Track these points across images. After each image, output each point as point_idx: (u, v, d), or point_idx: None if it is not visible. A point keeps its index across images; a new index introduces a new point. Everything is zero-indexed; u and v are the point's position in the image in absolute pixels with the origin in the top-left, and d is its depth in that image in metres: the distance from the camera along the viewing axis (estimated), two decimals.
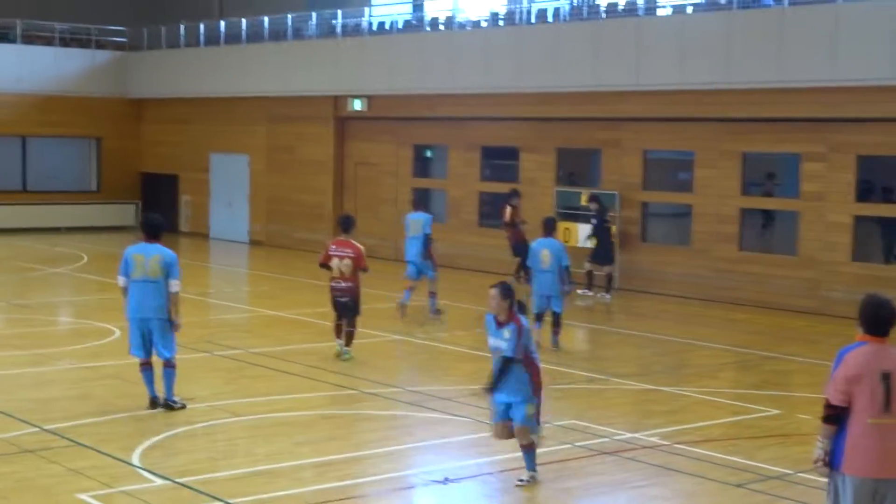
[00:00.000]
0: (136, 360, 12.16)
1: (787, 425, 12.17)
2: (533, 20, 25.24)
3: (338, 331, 15.31)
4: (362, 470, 10.21)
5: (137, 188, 35.88)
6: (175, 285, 11.87)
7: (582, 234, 23.32)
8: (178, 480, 9.56)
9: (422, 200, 20.19)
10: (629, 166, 23.42)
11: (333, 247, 15.13)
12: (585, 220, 23.31)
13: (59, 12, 35.30)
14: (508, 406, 9.57)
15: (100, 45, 35.53)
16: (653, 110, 22.74)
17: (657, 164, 23.67)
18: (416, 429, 11.80)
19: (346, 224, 15.37)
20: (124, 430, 11.32)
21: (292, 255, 29.03)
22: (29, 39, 34.37)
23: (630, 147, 23.43)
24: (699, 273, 22.29)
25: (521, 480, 9.68)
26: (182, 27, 34.18)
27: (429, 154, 28.63)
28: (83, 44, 35.29)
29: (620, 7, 23.73)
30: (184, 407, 12.06)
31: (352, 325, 15.23)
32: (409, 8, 30.24)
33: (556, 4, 25.28)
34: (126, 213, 34.92)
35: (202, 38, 33.72)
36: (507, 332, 9.44)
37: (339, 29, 29.48)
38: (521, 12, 25.37)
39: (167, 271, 11.82)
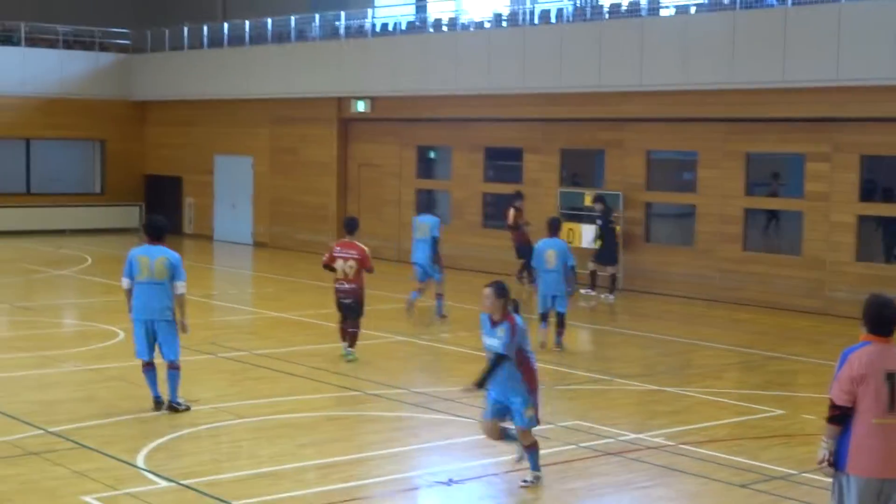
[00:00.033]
0: (140, 362, 12.16)
1: (792, 425, 12.16)
2: (536, 21, 25.23)
3: (343, 333, 15.36)
4: (366, 471, 10.21)
5: (141, 190, 35.92)
6: (181, 287, 11.93)
7: (586, 234, 23.32)
8: (182, 482, 9.57)
9: (430, 203, 20.16)
10: (633, 167, 23.41)
11: (338, 248, 15.18)
12: (589, 220, 23.33)
13: (63, 15, 35.36)
14: (502, 405, 9.52)
15: (103, 48, 35.57)
16: (656, 111, 22.74)
17: (661, 164, 23.66)
18: (420, 430, 11.80)
19: (350, 226, 15.42)
20: (129, 432, 11.33)
21: (296, 256, 29.04)
22: (33, 42, 34.41)
23: (633, 147, 23.43)
24: (703, 273, 22.28)
25: (525, 481, 9.68)
26: (185, 29, 34.21)
27: (432, 155, 28.63)
28: (87, 46, 35.33)
29: (624, 7, 23.71)
30: (188, 409, 12.06)
31: (355, 325, 15.26)
32: (412, 9, 30.25)
33: (559, 5, 25.27)
34: (130, 215, 34.96)
35: (205, 40, 33.75)
36: (500, 331, 9.40)
37: (342, 30, 29.50)
38: (524, 13, 25.38)
39: (172, 273, 11.87)
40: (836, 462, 7.09)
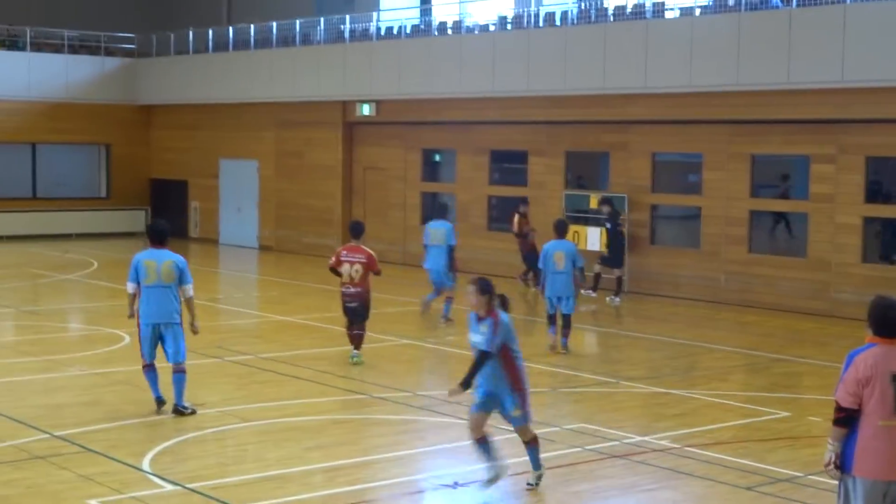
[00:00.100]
0: (145, 363, 12.16)
1: (797, 428, 12.15)
2: (541, 23, 25.23)
3: (352, 339, 15.40)
4: (372, 474, 10.21)
5: (147, 194, 35.97)
6: (190, 290, 12.07)
7: (592, 237, 23.31)
8: (188, 486, 9.58)
9: (442, 209, 20.13)
10: (637, 169, 23.40)
11: (344, 252, 15.24)
12: (595, 223, 23.33)
13: (69, 20, 35.43)
14: (492, 399, 9.43)
15: (109, 52, 35.64)
16: (661, 113, 22.73)
17: (666, 166, 23.65)
18: (426, 433, 11.80)
19: (356, 230, 15.50)
20: (134, 436, 11.34)
21: (301, 260, 29.06)
22: (38, 47, 34.48)
23: (638, 150, 23.42)
24: (708, 275, 22.26)
25: (529, 484, 9.67)
26: (191, 33, 34.26)
27: (437, 158, 28.65)
28: (92, 51, 35.41)
29: (628, 10, 23.71)
30: (194, 412, 12.08)
31: (361, 328, 15.32)
32: (416, 13, 30.27)
33: (563, 7, 25.28)
34: (136, 219, 35.01)
35: (211, 44, 33.79)
36: (484, 327, 9.32)
37: (347, 34, 29.52)
38: (528, 16, 25.38)
39: (180, 276, 11.96)
40: (843, 464, 7.08)
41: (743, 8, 21.05)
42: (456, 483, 9.80)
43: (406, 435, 11.73)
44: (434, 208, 20.51)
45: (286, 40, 31.21)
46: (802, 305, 20.74)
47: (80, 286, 23.95)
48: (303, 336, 17.68)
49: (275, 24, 31.43)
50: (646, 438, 11.44)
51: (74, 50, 35.04)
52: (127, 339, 16.25)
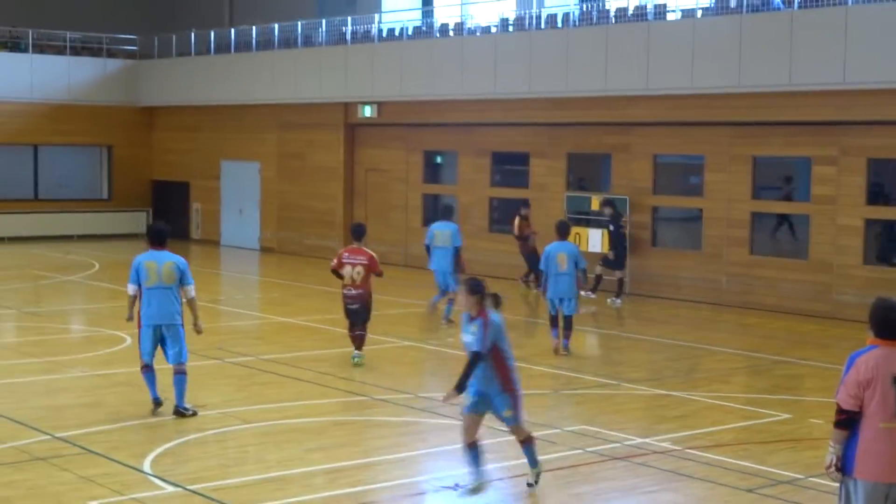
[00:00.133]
0: (144, 363, 12.16)
1: (799, 430, 12.14)
2: (542, 25, 25.24)
3: (354, 340, 15.43)
4: (373, 476, 10.22)
5: (148, 196, 35.99)
6: (191, 290, 12.12)
7: (593, 238, 23.31)
8: (189, 487, 9.58)
9: (446, 210, 20.12)
10: (639, 171, 23.40)
11: (346, 254, 15.28)
12: (597, 224, 23.34)
13: (71, 21, 35.45)
14: (484, 400, 9.34)
15: (111, 54, 35.66)
16: (663, 115, 22.73)
17: (667, 168, 23.65)
18: (427, 435, 11.80)
19: (358, 232, 15.54)
20: (135, 438, 11.35)
21: (303, 261, 29.07)
22: (40, 49, 34.52)
23: (640, 151, 23.42)
24: (710, 277, 22.26)
25: (529, 484, 9.66)
26: (192, 35, 34.28)
27: (439, 160, 28.65)
28: (94, 52, 35.44)
29: (630, 12, 23.71)
30: (195, 414, 12.09)
31: (363, 329, 15.39)
32: (418, 14, 30.27)
33: (565, 9, 25.30)
34: (137, 220, 35.02)
35: (212, 45, 33.81)
36: (474, 327, 9.27)
37: (349, 36, 29.53)
38: (530, 17, 25.38)
39: (181, 277, 12.00)
40: (844, 467, 7.08)
41: (744, 10, 21.05)
42: (457, 485, 9.79)
43: (407, 437, 11.73)
44: (438, 210, 20.48)
45: (288, 42, 31.22)
46: (804, 307, 20.73)
47: (82, 287, 23.97)
48: (304, 338, 17.68)
49: (276, 25, 31.45)
50: (647, 440, 11.44)
51: (76, 51, 35.07)
52: (128, 340, 16.26)
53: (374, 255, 15.32)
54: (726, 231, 22.04)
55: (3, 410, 12.28)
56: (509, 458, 10.34)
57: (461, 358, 16.12)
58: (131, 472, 10.03)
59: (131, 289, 12.03)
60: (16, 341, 17.65)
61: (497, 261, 25.19)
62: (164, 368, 12.57)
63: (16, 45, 34.56)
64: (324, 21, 30.48)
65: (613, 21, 23.70)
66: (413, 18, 29.73)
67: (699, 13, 22.49)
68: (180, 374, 12.06)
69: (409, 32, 28.56)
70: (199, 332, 12.27)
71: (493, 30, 26.54)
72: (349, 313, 15.40)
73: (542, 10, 25.54)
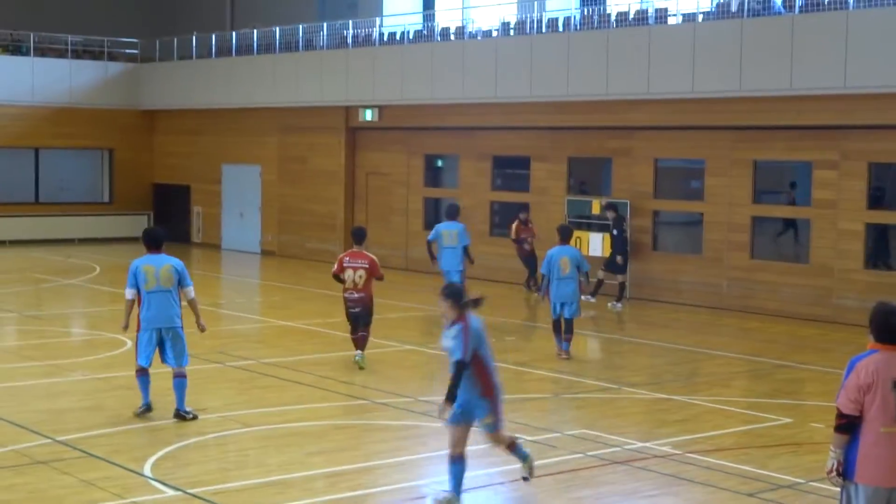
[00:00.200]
0: (140, 367, 12.15)
1: (800, 434, 12.14)
2: (544, 29, 25.24)
3: (356, 343, 15.46)
4: (374, 480, 10.21)
5: (149, 199, 36.00)
6: (191, 291, 12.16)
7: (594, 242, 23.31)
8: (189, 491, 9.58)
9: (452, 210, 20.19)
10: (640, 175, 23.41)
11: (347, 258, 15.31)
12: (598, 228, 23.34)
13: (72, 25, 35.47)
14: (467, 409, 9.08)
15: (112, 57, 35.68)
16: (664, 119, 22.74)
17: (668, 172, 23.66)
18: (427, 439, 11.79)
19: (358, 236, 15.57)
20: (136, 441, 11.35)
21: (304, 265, 29.07)
22: (42, 52, 34.54)
23: (641, 155, 23.43)
24: (711, 282, 22.25)
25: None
26: (194, 38, 34.31)
27: (440, 164, 28.66)
28: (96, 56, 35.46)
29: (631, 16, 23.73)
30: (195, 417, 12.09)
31: (366, 330, 15.47)
32: (419, 18, 30.29)
33: (566, 14, 25.31)
34: (138, 224, 34.89)
35: (214, 49, 33.84)
36: (453, 332, 9.02)
37: (350, 39, 29.55)
38: (531, 22, 25.39)
39: (179, 279, 12.03)
40: (845, 471, 7.08)
41: (745, 14, 21.05)
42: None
43: (408, 440, 11.73)
44: (444, 210, 20.53)
45: (289, 45, 31.23)
46: (804, 311, 20.73)
47: (83, 291, 23.98)
48: (305, 341, 17.68)
49: (278, 29, 31.47)
50: (647, 444, 11.43)
51: (78, 55, 35.09)
52: (129, 343, 16.23)
53: (375, 258, 15.37)
54: (727, 235, 22.05)
55: (4, 414, 12.28)
56: (509, 462, 10.33)
57: None
58: (132, 476, 10.03)
59: (129, 293, 12.03)
60: (16, 345, 17.66)
61: (498, 265, 25.19)
62: (159, 373, 12.59)
63: (17, 49, 34.58)
64: (325, 24, 30.50)
65: (614, 25, 23.70)
66: (414, 22, 29.74)
67: (700, 17, 22.50)
68: (181, 378, 12.07)
69: (411, 36, 28.56)
70: (202, 330, 12.32)
71: (495, 34, 26.55)
72: (351, 317, 15.44)
73: (544, 14, 25.55)
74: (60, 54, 34.66)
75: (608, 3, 24.85)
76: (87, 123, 34.62)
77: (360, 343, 15.39)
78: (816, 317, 20.49)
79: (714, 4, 22.51)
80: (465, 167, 27.06)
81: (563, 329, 16.22)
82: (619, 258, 22.29)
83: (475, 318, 9.11)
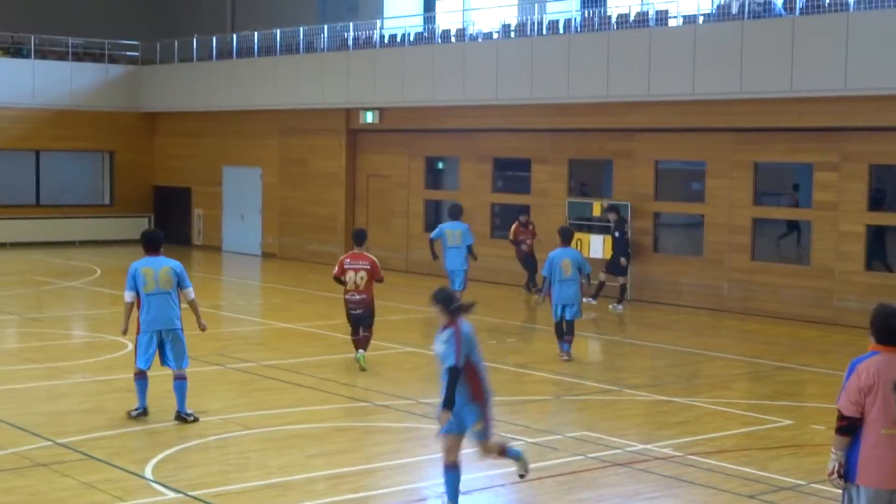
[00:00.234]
0: (140, 370, 12.15)
1: (800, 436, 12.14)
2: (544, 31, 25.25)
3: (356, 344, 15.47)
4: (375, 482, 10.21)
5: (150, 202, 36.00)
6: (191, 292, 12.18)
7: (595, 244, 23.30)
8: (190, 493, 9.58)
9: (457, 210, 20.25)
10: (641, 177, 23.41)
11: (348, 260, 15.33)
12: (599, 230, 23.34)
13: (73, 27, 35.49)
14: (458, 418, 8.87)
15: (113, 60, 35.68)
16: (664, 121, 22.74)
17: (669, 174, 23.65)
18: (428, 441, 11.73)
19: (359, 237, 15.59)
20: (137, 444, 11.35)
21: (305, 267, 29.08)
22: (43, 54, 34.55)
23: (642, 157, 23.43)
24: (711, 283, 22.25)
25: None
26: (194, 41, 34.30)
27: (440, 166, 28.66)
28: (96, 58, 35.46)
29: (631, 18, 23.74)
30: (196, 420, 12.08)
31: (368, 331, 15.50)
32: (420, 20, 30.30)
33: (567, 16, 25.31)
34: (139, 226, 34.83)
35: (214, 51, 33.85)
36: (444, 336, 8.86)
37: (350, 42, 29.56)
38: (532, 24, 25.40)
39: (178, 280, 12.05)
40: (846, 473, 7.07)
41: (746, 16, 21.05)
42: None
43: (409, 443, 11.73)
44: (448, 210, 20.58)
45: (290, 48, 31.23)
46: (805, 313, 20.72)
47: (84, 293, 23.98)
48: (306, 343, 17.68)
49: (278, 31, 31.47)
50: (648, 446, 11.43)
51: (78, 57, 35.10)
52: (129, 346, 16.23)
53: (375, 259, 15.39)
54: (728, 237, 22.04)
55: (5, 416, 12.28)
56: (512, 465, 10.31)
57: None
58: (133, 478, 10.03)
59: (129, 296, 12.02)
60: (17, 347, 17.66)
61: (498, 266, 25.18)
62: (160, 375, 12.59)
63: (18, 51, 34.59)
64: (326, 27, 30.51)
65: (615, 27, 23.70)
66: (415, 24, 29.75)
67: (700, 19, 22.50)
68: (181, 380, 12.07)
69: (411, 38, 28.58)
70: (203, 329, 12.34)
71: (495, 36, 26.56)
72: (352, 318, 15.46)
73: (544, 16, 25.56)
74: (61, 57, 34.67)
75: (609, 4, 24.87)
76: (87, 126, 34.63)
77: (361, 343, 15.42)
78: (817, 319, 20.49)
79: (714, 6, 22.51)
80: (466, 169, 27.06)
81: (565, 330, 16.24)
82: (622, 260, 22.28)
83: (466, 323, 8.95)
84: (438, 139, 27.78)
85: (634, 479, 10.39)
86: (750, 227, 21.80)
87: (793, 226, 22.03)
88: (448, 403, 8.76)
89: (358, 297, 15.24)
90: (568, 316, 16.15)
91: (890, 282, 19.80)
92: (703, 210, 22.57)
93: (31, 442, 11.22)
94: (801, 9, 20.34)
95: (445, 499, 9.09)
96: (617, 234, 22.41)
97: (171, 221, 34.06)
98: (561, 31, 25.00)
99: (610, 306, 21.95)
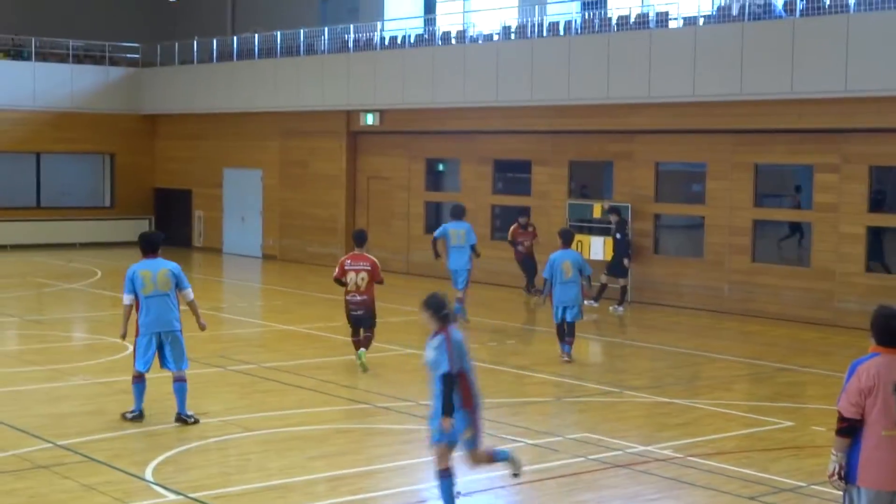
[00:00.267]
0: (138, 373, 12.15)
1: (801, 437, 12.13)
2: (544, 33, 25.26)
3: (357, 346, 15.47)
4: (375, 484, 10.21)
5: (151, 204, 36.01)
6: (190, 293, 12.20)
7: (595, 246, 23.31)
8: (191, 495, 9.58)
9: (460, 210, 20.28)
10: (641, 178, 23.41)
11: (349, 261, 15.33)
12: (599, 232, 23.34)
13: (73, 29, 35.50)
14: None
15: (113, 62, 35.70)
16: (665, 122, 22.75)
17: (669, 175, 23.66)
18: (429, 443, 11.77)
19: (360, 238, 15.61)
20: (137, 446, 11.36)
21: (305, 269, 29.08)
22: (43, 56, 34.55)
23: (642, 159, 23.43)
24: (712, 285, 22.25)
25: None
26: (195, 43, 34.31)
27: (441, 168, 28.67)
28: (97, 60, 35.49)
29: (632, 20, 23.75)
30: (197, 421, 12.09)
31: (370, 331, 15.52)
32: (420, 22, 30.31)
33: (567, 17, 25.32)
34: (140, 228, 34.67)
35: (215, 53, 33.86)
36: (434, 343, 8.76)
37: (351, 44, 29.57)
38: (532, 25, 25.41)
39: (177, 282, 12.07)
40: (847, 475, 7.07)
41: (746, 18, 21.06)
42: (458, 493, 9.76)
43: (409, 445, 11.72)
44: (451, 210, 20.60)
45: (290, 50, 31.24)
46: (806, 315, 20.72)
47: (84, 295, 23.98)
48: (306, 345, 17.68)
49: (279, 33, 31.48)
50: (649, 448, 11.43)
51: (79, 59, 35.12)
52: (130, 348, 16.19)
53: (376, 260, 15.40)
54: (728, 239, 22.04)
55: (5, 418, 12.28)
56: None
57: None
58: (133, 480, 10.03)
59: (127, 299, 12.02)
60: (18, 349, 17.66)
61: (499, 268, 25.17)
62: (160, 377, 12.59)
63: (18, 53, 34.61)
64: (326, 29, 30.52)
65: (615, 29, 23.71)
66: (415, 26, 29.76)
67: (701, 21, 22.51)
68: (181, 382, 12.07)
69: (412, 40, 28.59)
70: (202, 328, 12.36)
71: (496, 37, 26.58)
72: (353, 320, 15.45)
73: (544, 17, 25.56)
74: (62, 59, 34.68)
75: (609, 6, 24.87)
76: (88, 128, 34.64)
77: (363, 343, 15.41)
78: (817, 320, 20.49)
79: (715, 8, 22.52)
80: (467, 171, 27.07)
81: (566, 332, 16.24)
82: (625, 261, 22.27)
83: (456, 329, 8.86)
84: (439, 141, 27.79)
85: (635, 480, 10.39)
86: (750, 229, 21.80)
87: (795, 227, 22.02)
88: (446, 410, 8.65)
89: (359, 298, 15.25)
90: (569, 318, 16.16)
91: (890, 283, 19.79)
92: (704, 211, 22.57)
93: (31, 444, 11.22)
94: (801, 10, 20.35)
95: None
96: (618, 235, 22.41)
97: (171, 223, 34.07)
98: (561, 32, 25.00)
99: (610, 308, 21.95)
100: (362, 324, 15.42)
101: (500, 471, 10.26)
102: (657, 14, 23.00)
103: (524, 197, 25.56)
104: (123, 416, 12.19)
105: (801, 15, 20.29)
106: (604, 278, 22.23)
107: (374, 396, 13.82)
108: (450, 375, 8.62)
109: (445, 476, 8.93)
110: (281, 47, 31.43)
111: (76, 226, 34.37)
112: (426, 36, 28.70)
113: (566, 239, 16.46)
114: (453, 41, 27.67)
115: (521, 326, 20.61)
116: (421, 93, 26.83)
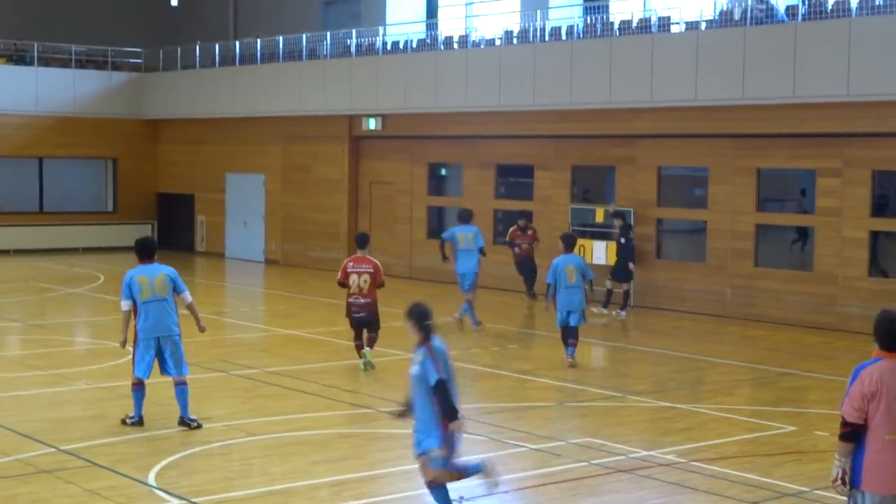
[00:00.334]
0: (138, 380, 12.15)
1: (804, 442, 12.12)
2: (547, 38, 25.27)
3: (359, 350, 15.49)
4: (378, 489, 10.21)
5: (153, 208, 36.04)
6: (188, 296, 12.20)
7: (598, 250, 23.30)
8: (193, 500, 9.58)
9: (467, 214, 20.37)
10: (643, 183, 23.41)
11: (351, 264, 15.36)
12: (602, 237, 23.33)
13: (76, 34, 35.54)
14: (421, 434, 8.74)
15: (116, 67, 35.74)
16: (667, 127, 22.74)
17: (671, 180, 23.66)
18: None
19: (362, 241, 15.66)
20: (140, 451, 11.36)
21: (308, 273, 29.08)
22: (46, 61, 34.61)
23: (644, 164, 23.43)
24: (714, 290, 22.23)
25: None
26: (197, 48, 34.36)
27: (443, 172, 28.68)
28: (99, 65, 35.53)
29: (634, 24, 23.75)
30: (199, 426, 12.09)
31: (374, 333, 15.57)
32: (423, 27, 30.33)
33: (569, 22, 25.33)
34: (142, 233, 34.84)
35: (217, 58, 33.89)
36: (418, 356, 8.70)
37: (353, 48, 29.59)
38: (534, 30, 25.42)
39: (174, 286, 12.08)
40: (851, 480, 7.07)
41: (748, 22, 21.07)
42: (461, 498, 9.78)
43: (412, 449, 11.68)
44: (459, 214, 20.69)
45: (292, 54, 31.27)
46: (808, 319, 20.71)
47: (87, 300, 23.99)
48: (309, 350, 17.68)
49: (281, 38, 31.51)
50: (652, 453, 11.42)
51: (81, 64, 35.16)
52: (131, 354, 16.25)
53: (378, 263, 15.46)
54: (731, 243, 22.04)
55: (8, 423, 12.29)
56: (515, 471, 10.33)
57: (465, 371, 16.16)
58: (136, 485, 10.04)
59: (126, 305, 12.05)
60: (21, 354, 17.67)
61: (501, 273, 25.14)
62: (161, 382, 12.59)
63: (21, 59, 34.66)
64: (328, 34, 30.54)
65: (617, 33, 23.72)
66: (417, 31, 29.78)
67: (703, 25, 22.52)
68: (182, 386, 12.08)
69: (414, 45, 28.61)
70: (202, 330, 12.38)
71: (498, 42, 26.59)
72: (356, 322, 15.47)
73: (547, 22, 25.58)
74: (64, 64, 34.73)
75: (611, 11, 24.88)
76: (90, 133, 34.68)
77: (368, 342, 15.47)
78: (820, 325, 20.47)
79: (717, 12, 22.52)
80: (469, 176, 27.07)
81: (569, 335, 16.24)
82: (631, 265, 22.25)
83: (439, 340, 8.79)
84: (441, 146, 27.80)
85: (638, 485, 10.38)
86: (753, 233, 21.79)
87: (802, 232, 21.97)
88: (453, 412, 8.56)
89: (362, 300, 15.27)
90: (572, 322, 16.16)
91: (893, 288, 19.77)
92: (706, 216, 22.56)
93: (34, 449, 11.23)
94: (803, 15, 20.35)
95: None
96: (623, 240, 22.39)
97: (174, 228, 34.09)
98: (563, 37, 25.00)
99: (613, 312, 21.93)
100: (365, 327, 15.45)
101: (503, 475, 10.26)
102: (659, 18, 23.01)
103: (526, 201, 25.54)
104: (123, 422, 12.19)
105: (804, 19, 20.29)
106: (608, 284, 22.21)
107: (377, 401, 13.81)
108: (442, 381, 8.54)
109: (434, 487, 8.82)
110: (283, 52, 31.46)
111: (79, 230, 34.39)
112: (428, 41, 28.72)
113: (568, 243, 16.47)
114: (455, 46, 27.68)
115: (523, 331, 20.59)
116: (423, 97, 26.84)
